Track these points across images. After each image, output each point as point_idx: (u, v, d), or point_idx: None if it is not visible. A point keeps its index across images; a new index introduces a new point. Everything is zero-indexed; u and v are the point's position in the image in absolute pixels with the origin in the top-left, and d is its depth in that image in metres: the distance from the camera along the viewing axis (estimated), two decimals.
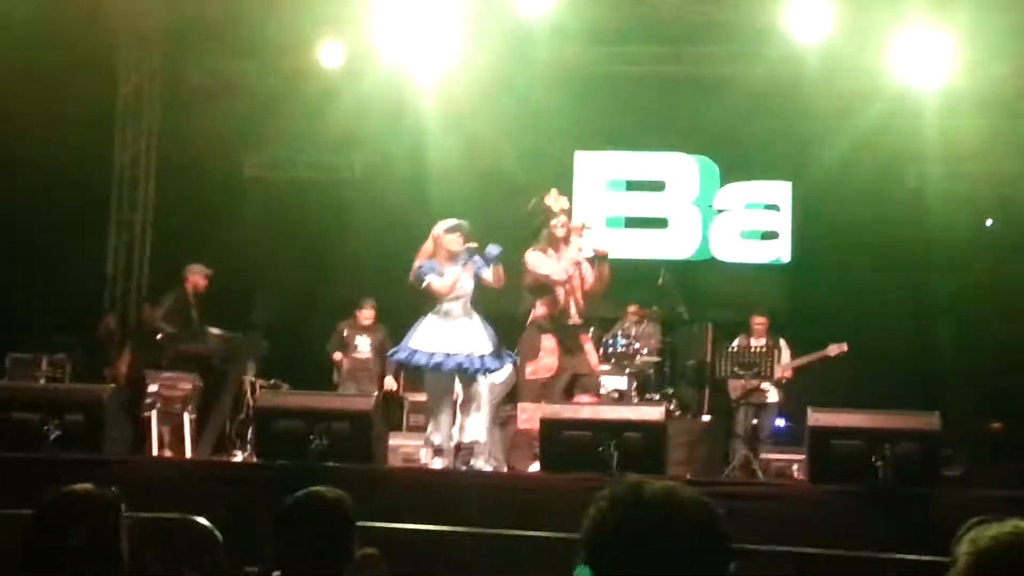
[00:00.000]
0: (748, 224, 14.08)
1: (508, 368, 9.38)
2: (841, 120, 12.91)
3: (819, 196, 13.59)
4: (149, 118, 14.31)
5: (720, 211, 13.96)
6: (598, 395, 9.22)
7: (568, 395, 9.15)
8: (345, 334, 12.54)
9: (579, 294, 9.33)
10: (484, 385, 9.10)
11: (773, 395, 11.97)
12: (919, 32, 11.82)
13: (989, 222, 13.48)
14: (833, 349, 12.01)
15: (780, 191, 13.99)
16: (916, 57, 12.02)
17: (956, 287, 13.05)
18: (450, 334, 8.94)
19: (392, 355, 9.63)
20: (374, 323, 12.52)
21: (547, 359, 9.24)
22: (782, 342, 12.08)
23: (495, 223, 10.19)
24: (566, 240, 9.38)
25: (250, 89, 13.72)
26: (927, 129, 12.74)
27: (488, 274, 9.02)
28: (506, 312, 10.00)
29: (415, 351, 8.98)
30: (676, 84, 13.90)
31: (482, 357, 8.91)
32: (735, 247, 14.06)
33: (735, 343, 12.09)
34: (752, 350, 11.79)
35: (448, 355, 8.86)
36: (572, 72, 13.70)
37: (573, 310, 9.30)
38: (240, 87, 13.79)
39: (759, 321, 12.18)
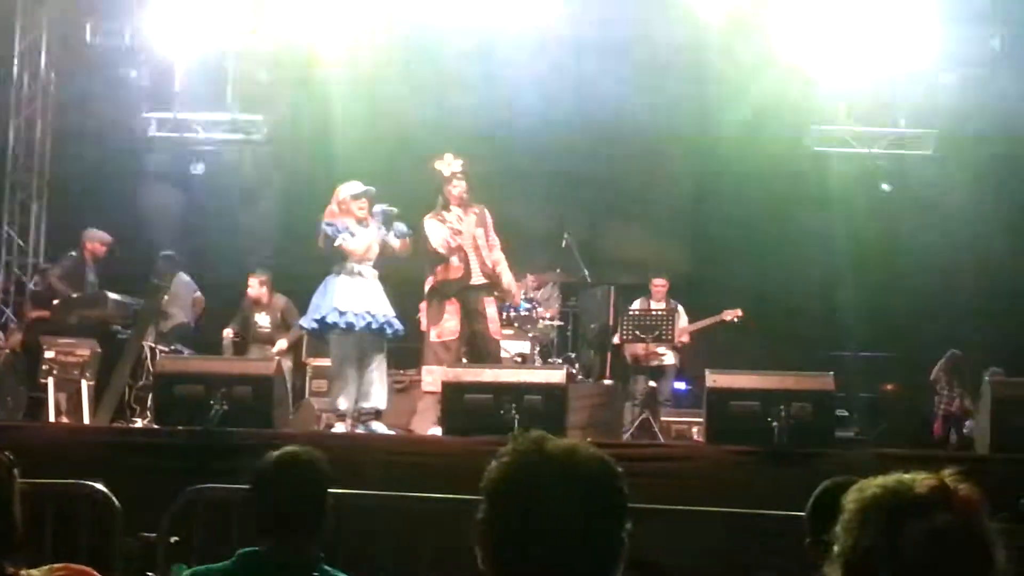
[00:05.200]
0: None
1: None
2: (744, 84, 13.05)
3: (722, 159, 13.70)
4: (45, 77, 14.01)
5: None
6: (498, 358, 9.25)
7: (470, 358, 9.19)
8: (245, 314, 12.23)
9: (483, 256, 9.34)
10: (384, 349, 9.14)
11: (670, 358, 12.10)
12: None
13: (885, 187, 13.73)
14: (728, 314, 12.21)
15: None
16: (814, 21, 12.26)
17: (854, 250, 13.28)
18: (362, 295, 8.99)
19: (308, 320, 9.31)
20: (270, 297, 12.18)
21: (450, 322, 9.30)
22: (679, 307, 12.21)
23: (401, 188, 10.17)
24: (461, 204, 9.41)
25: (151, 49, 13.48)
26: (827, 94, 12.97)
27: (396, 243, 9.09)
28: (408, 277, 10.00)
29: (334, 311, 8.94)
30: (580, 46, 13.92)
31: (390, 320, 8.96)
32: None
33: (635, 306, 12.19)
34: (652, 313, 11.89)
35: (359, 315, 8.90)
36: (479, 35, 13.63)
37: (475, 272, 9.31)
38: (141, 46, 13.54)
39: (659, 283, 12.27)
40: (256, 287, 12.16)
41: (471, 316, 9.27)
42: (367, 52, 13.16)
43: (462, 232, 9.38)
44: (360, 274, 9.06)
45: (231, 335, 12.11)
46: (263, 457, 3.71)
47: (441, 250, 9.35)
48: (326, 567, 3.56)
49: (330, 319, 8.94)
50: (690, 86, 13.55)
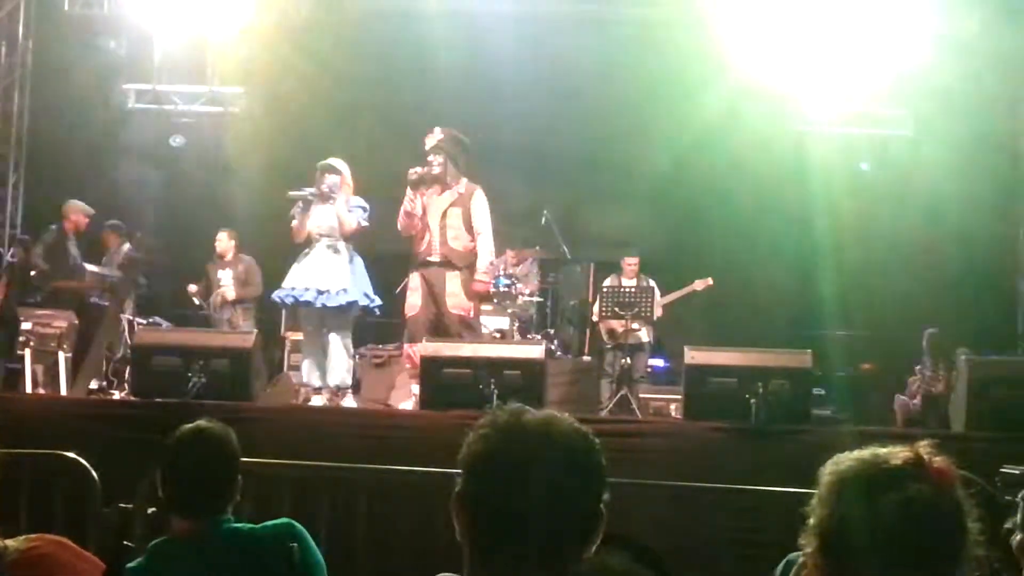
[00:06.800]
0: None
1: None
2: (724, 62, 13.03)
3: (701, 137, 13.67)
4: (23, 48, 13.91)
5: None
6: (459, 334, 9.06)
7: (432, 333, 9.07)
8: (209, 271, 12.38)
9: (448, 234, 9.21)
10: (345, 325, 9.12)
11: (645, 335, 12.13)
12: None
13: (864, 166, 13.75)
14: (699, 284, 12.26)
15: None
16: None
17: (832, 229, 13.30)
18: (304, 271, 9.05)
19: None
20: (235, 255, 12.33)
21: (412, 298, 9.25)
22: (651, 282, 12.23)
23: (381, 162, 10.13)
24: (438, 180, 9.30)
25: (130, 19, 13.39)
26: (806, 74, 12.98)
27: (347, 218, 9.06)
28: (393, 252, 10.00)
29: (282, 289, 9.14)
30: (559, 22, 13.88)
31: (333, 293, 8.92)
32: None
33: (606, 283, 12.22)
34: (625, 290, 11.92)
35: (286, 289, 9.05)
36: (458, 10, 13.57)
37: (435, 249, 9.20)
38: (119, 17, 13.46)
39: (630, 262, 12.32)
40: (224, 241, 12.34)
41: (432, 292, 9.18)
42: (347, 26, 13.10)
43: (427, 207, 9.25)
44: (308, 253, 9.14)
45: (194, 289, 12.34)
46: (170, 436, 3.65)
47: (399, 224, 9.32)
48: (233, 525, 3.55)
49: (275, 295, 9.30)
50: (670, 64, 13.50)
